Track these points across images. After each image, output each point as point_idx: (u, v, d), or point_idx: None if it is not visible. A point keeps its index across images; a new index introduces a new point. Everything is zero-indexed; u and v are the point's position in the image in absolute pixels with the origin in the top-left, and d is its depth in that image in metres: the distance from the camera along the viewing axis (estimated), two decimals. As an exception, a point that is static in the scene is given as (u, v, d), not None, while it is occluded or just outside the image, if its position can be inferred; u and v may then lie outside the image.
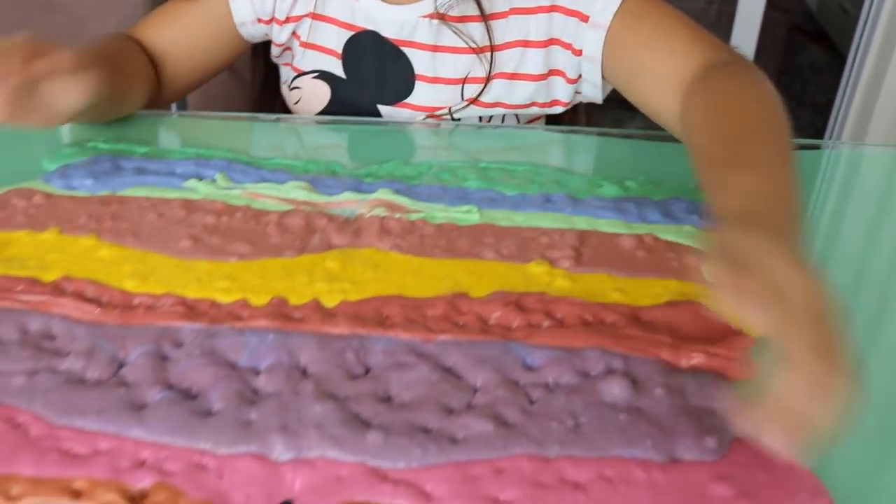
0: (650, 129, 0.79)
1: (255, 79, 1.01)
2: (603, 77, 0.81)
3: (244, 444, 0.44)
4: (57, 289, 0.56)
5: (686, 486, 0.43)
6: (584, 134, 0.84)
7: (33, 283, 0.56)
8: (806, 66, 3.01)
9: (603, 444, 0.45)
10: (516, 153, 0.77)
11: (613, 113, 1.38)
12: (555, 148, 0.82)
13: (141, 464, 0.43)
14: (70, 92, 0.65)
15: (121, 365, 0.50)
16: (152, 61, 0.87)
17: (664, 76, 0.73)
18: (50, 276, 0.57)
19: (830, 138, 1.98)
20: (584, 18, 0.79)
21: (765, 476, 0.44)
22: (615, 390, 0.48)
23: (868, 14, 1.80)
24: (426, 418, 0.45)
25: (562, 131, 0.85)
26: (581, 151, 0.82)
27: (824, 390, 0.38)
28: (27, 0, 1.33)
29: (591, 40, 0.79)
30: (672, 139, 0.74)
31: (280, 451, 0.44)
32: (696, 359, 0.50)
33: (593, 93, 0.83)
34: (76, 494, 0.42)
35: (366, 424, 0.45)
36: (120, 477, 0.43)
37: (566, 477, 0.43)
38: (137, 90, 0.83)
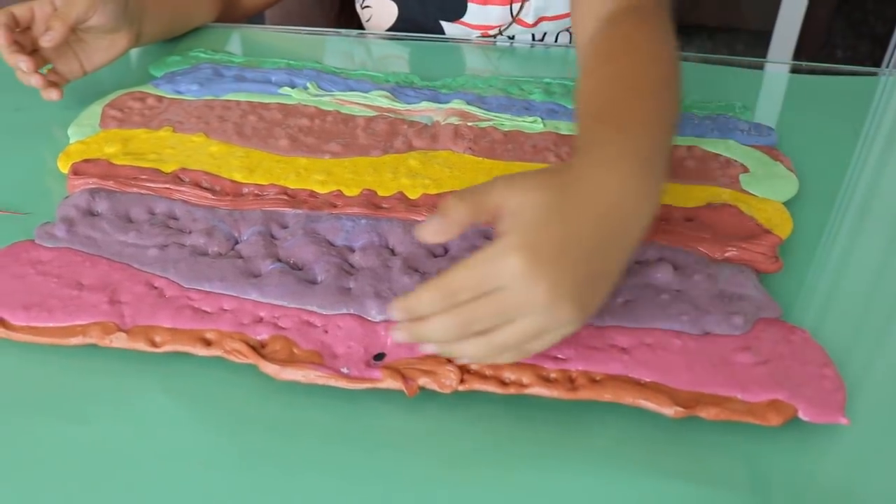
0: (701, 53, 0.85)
1: None
2: None
3: (344, 306, 0.53)
4: (176, 178, 0.64)
5: (714, 353, 0.51)
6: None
7: (155, 173, 0.65)
8: (868, -7, 2.98)
9: (647, 317, 0.52)
10: (573, 71, 0.83)
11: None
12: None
13: (259, 320, 0.52)
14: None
15: (236, 242, 0.59)
16: None
17: (588, 6, 0.70)
18: (169, 168, 0.65)
19: (889, 65, 1.99)
20: None
21: (782, 349, 0.51)
22: (660, 275, 0.56)
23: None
24: (497, 291, 0.54)
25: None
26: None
27: None
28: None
29: None
30: (720, 63, 0.80)
31: (375, 313, 0.52)
32: (730, 252, 0.58)
33: None
34: (207, 343, 0.51)
35: (446, 294, 0.53)
36: (242, 330, 0.52)
37: (614, 342, 0.51)
38: (204, 1, 0.91)
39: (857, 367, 0.51)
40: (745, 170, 0.67)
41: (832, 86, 0.85)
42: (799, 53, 2.42)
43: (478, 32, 0.92)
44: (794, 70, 0.91)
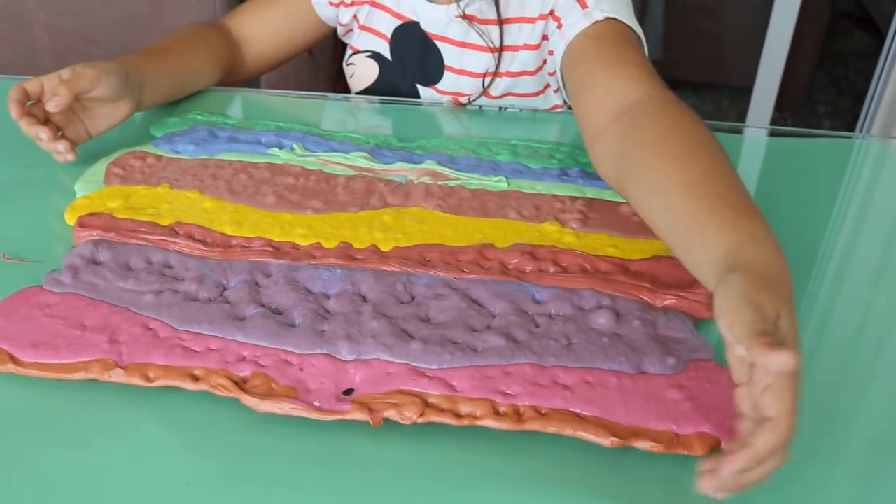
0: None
1: (333, 60, 1.17)
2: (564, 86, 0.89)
3: (318, 347, 0.59)
4: (171, 231, 0.71)
5: (648, 390, 0.57)
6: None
7: (153, 226, 0.71)
8: (850, 52, 3.06)
9: (588, 358, 0.58)
10: (542, 134, 0.91)
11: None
12: (571, 129, 0.94)
13: (242, 359, 0.58)
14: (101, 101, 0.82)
15: (224, 289, 0.65)
16: (238, 44, 1.02)
17: (610, 92, 0.74)
18: (165, 222, 0.72)
19: (864, 124, 2.06)
20: (560, 27, 0.87)
21: (710, 386, 0.57)
22: (602, 320, 0.62)
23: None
24: (455, 334, 0.60)
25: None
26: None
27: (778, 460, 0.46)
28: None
29: (558, 49, 0.87)
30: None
31: (345, 353, 0.58)
32: (669, 300, 0.64)
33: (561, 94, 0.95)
34: (196, 378, 0.57)
35: (410, 336, 0.60)
36: (227, 367, 0.58)
37: (558, 380, 0.57)
38: (204, 69, 0.98)
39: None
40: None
41: (808, 148, 0.91)
42: (781, 109, 2.50)
43: (448, 98, 1.00)
44: (772, 133, 0.97)
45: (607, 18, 0.83)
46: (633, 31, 0.83)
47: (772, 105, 2.28)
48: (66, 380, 0.57)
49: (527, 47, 0.95)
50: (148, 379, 0.57)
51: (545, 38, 0.93)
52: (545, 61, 0.94)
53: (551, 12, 0.90)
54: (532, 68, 0.96)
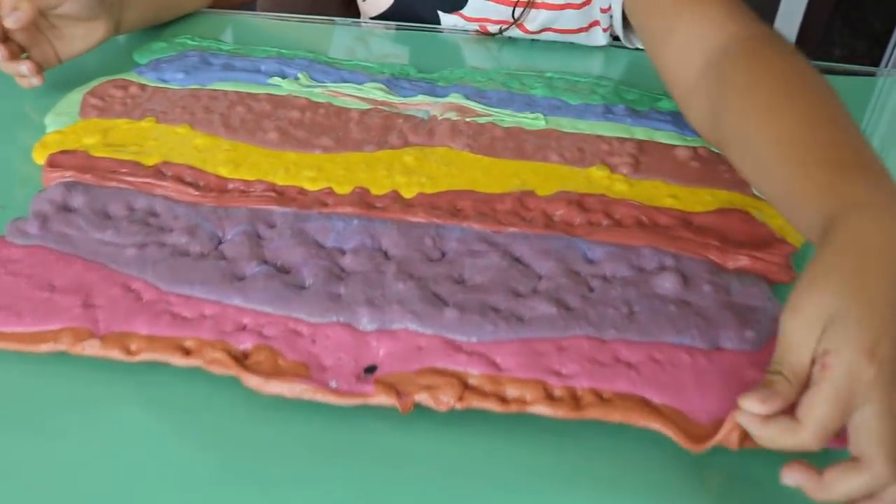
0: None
1: None
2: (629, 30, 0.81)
3: (334, 314, 0.49)
4: (158, 172, 0.61)
5: (726, 370, 0.48)
6: (641, 50, 0.86)
7: (136, 167, 0.61)
8: (868, -5, 2.96)
9: (654, 330, 0.49)
10: (581, 66, 0.81)
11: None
12: (613, 63, 0.85)
13: (242, 328, 0.49)
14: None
15: (220, 241, 0.55)
16: None
17: (690, 38, 0.65)
18: (150, 161, 0.62)
19: (886, 66, 1.97)
20: None
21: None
22: (667, 284, 0.52)
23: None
24: (496, 299, 0.51)
25: (619, 46, 0.87)
26: (638, 67, 0.85)
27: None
28: None
29: None
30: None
31: (366, 322, 0.49)
32: (741, 261, 0.55)
33: (616, 25, 0.84)
34: (187, 352, 0.47)
35: (443, 302, 0.50)
36: (224, 338, 0.48)
37: (620, 357, 0.48)
38: None
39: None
40: (756, 172, 0.64)
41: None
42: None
43: (475, 26, 0.89)
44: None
45: None
46: None
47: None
48: (31, 352, 0.48)
49: None
50: (129, 352, 0.48)
51: None
52: None
53: None
54: (578, 1, 0.85)
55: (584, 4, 0.84)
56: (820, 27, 2.54)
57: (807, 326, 0.40)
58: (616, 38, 0.86)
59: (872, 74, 0.86)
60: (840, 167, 0.47)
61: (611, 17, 0.82)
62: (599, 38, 0.87)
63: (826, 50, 2.59)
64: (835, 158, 0.48)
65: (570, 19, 0.86)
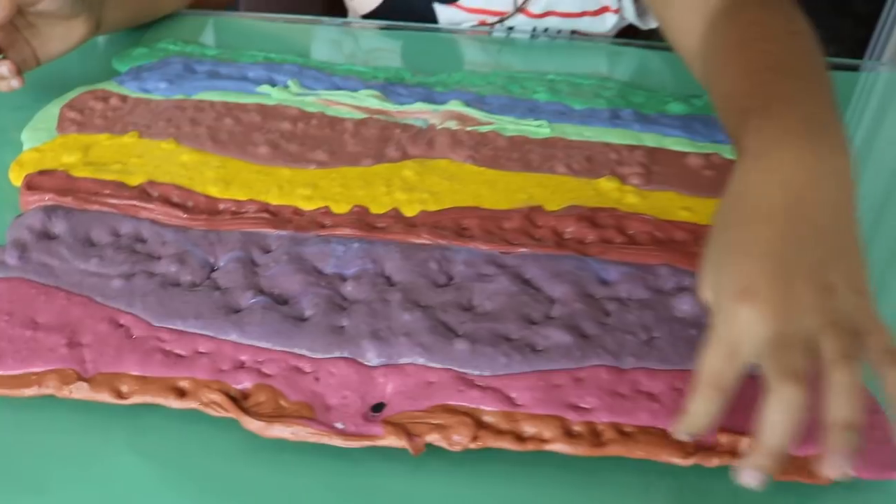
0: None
1: None
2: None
3: (338, 349, 0.47)
4: (143, 193, 0.58)
5: (752, 398, 0.45)
6: (647, 48, 0.84)
7: (119, 187, 0.58)
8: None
9: (675, 357, 0.47)
10: (584, 65, 0.78)
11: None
12: (617, 62, 0.83)
13: (240, 366, 0.46)
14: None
15: (212, 269, 0.52)
16: None
17: (689, 7, 0.66)
18: (135, 180, 0.59)
19: (873, 52, 1.96)
20: None
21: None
22: (686, 306, 0.50)
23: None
24: (508, 328, 0.48)
25: (623, 44, 0.85)
26: (644, 68, 0.82)
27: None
28: None
29: None
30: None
31: (372, 356, 0.46)
32: (765, 277, 0.52)
33: (631, 15, 0.83)
34: (181, 393, 0.45)
35: (452, 333, 0.48)
36: (221, 377, 0.45)
37: (641, 388, 0.46)
38: None
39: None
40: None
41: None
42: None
43: (475, 18, 0.86)
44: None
45: None
46: None
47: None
48: (14, 397, 0.45)
49: None
50: (120, 395, 0.45)
51: None
52: None
53: None
54: None
55: None
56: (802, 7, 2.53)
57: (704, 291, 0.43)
58: (626, 29, 0.85)
59: (857, 69, 0.84)
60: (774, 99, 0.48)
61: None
62: (609, 21, 0.85)
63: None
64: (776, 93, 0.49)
65: (574, 1, 0.84)
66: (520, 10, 0.84)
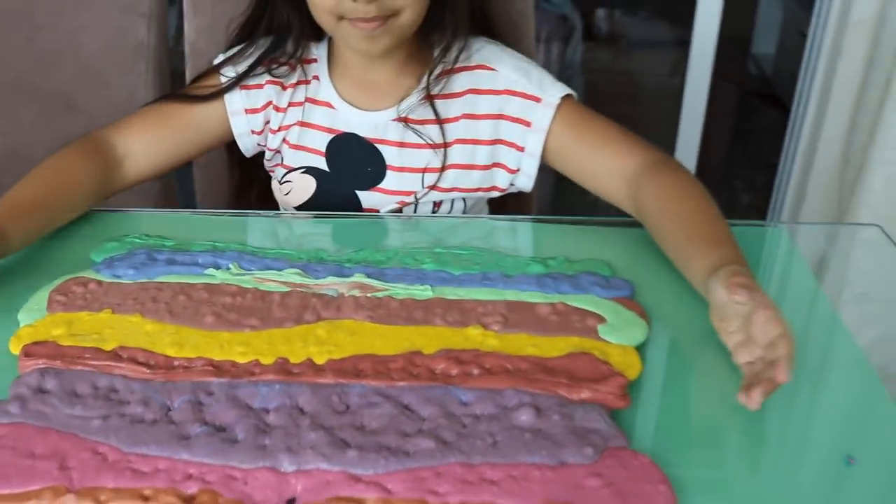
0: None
1: (232, 175, 1.23)
2: (549, 167, 1.03)
3: (261, 461, 0.63)
4: (115, 356, 0.74)
5: (568, 480, 0.62)
6: (519, 221, 1.03)
7: (97, 352, 0.75)
8: (762, 128, 3.21)
9: (512, 453, 0.63)
10: (465, 239, 0.96)
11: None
12: (497, 233, 1.01)
13: (189, 476, 0.62)
14: None
15: (169, 409, 0.69)
16: (119, 160, 1.03)
17: (612, 173, 0.97)
18: (109, 346, 0.75)
19: (777, 198, 2.17)
20: (528, 125, 1.02)
21: (625, 472, 0.62)
22: (523, 417, 0.67)
23: (804, 81, 2.00)
24: (388, 440, 0.64)
25: (501, 219, 1.04)
26: (516, 236, 1.02)
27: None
28: (51, 101, 1.48)
29: (533, 141, 1.02)
30: (587, 223, 0.95)
31: (286, 465, 0.63)
32: (584, 393, 0.69)
33: (526, 183, 1.04)
34: (146, 499, 0.60)
35: (346, 445, 0.64)
36: (175, 485, 0.61)
37: (485, 477, 0.62)
38: (75, 202, 0.98)
39: (690, 482, 0.63)
40: (603, 320, 0.79)
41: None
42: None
43: (395, 199, 1.05)
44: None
45: (560, 99, 1.01)
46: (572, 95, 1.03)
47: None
48: (19, 509, 0.60)
49: (474, 142, 1.04)
50: (99, 502, 0.60)
51: (500, 140, 1.04)
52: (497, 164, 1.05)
53: (500, 115, 1.02)
54: (482, 162, 1.05)
55: (489, 166, 1.05)
56: (720, 162, 2.77)
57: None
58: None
59: (762, 225, 1.05)
60: (715, 242, 0.84)
61: (511, 179, 1.05)
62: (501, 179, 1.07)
63: (728, 182, 2.82)
64: (712, 237, 0.85)
65: (471, 179, 1.05)
66: (433, 187, 1.03)
